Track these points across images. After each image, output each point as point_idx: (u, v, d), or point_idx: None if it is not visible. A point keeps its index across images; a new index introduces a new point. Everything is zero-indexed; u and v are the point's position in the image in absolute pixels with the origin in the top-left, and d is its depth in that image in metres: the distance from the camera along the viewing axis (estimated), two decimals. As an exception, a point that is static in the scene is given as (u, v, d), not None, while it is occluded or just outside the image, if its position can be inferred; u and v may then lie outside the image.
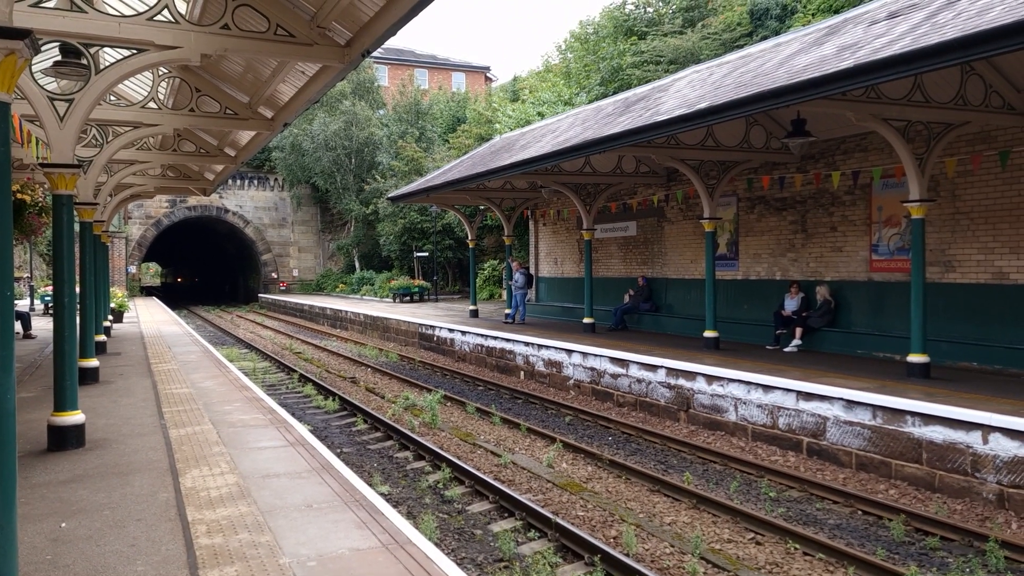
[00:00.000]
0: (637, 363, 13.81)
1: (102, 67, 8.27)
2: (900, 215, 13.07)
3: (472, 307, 25.30)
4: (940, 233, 12.52)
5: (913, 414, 9.10)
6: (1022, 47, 7.49)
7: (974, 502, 8.40)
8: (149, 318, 28.79)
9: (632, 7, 34.95)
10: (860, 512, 8.43)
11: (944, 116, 10.75)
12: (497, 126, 35.37)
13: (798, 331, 14.36)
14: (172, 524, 5.75)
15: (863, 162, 13.76)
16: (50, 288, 27.90)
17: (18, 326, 20.18)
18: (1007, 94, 11.07)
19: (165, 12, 8.01)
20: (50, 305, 27.51)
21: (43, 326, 22.77)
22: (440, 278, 39.96)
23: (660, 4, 34.62)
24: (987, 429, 8.34)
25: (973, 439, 8.48)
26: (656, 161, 17.10)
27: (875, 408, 9.56)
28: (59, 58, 8.22)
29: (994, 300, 11.86)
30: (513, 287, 22.44)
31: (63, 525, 5.75)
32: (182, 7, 8.52)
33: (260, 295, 50.11)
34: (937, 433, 8.83)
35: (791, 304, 14.79)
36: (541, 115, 32.93)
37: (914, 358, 11.08)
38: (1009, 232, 11.62)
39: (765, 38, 23.33)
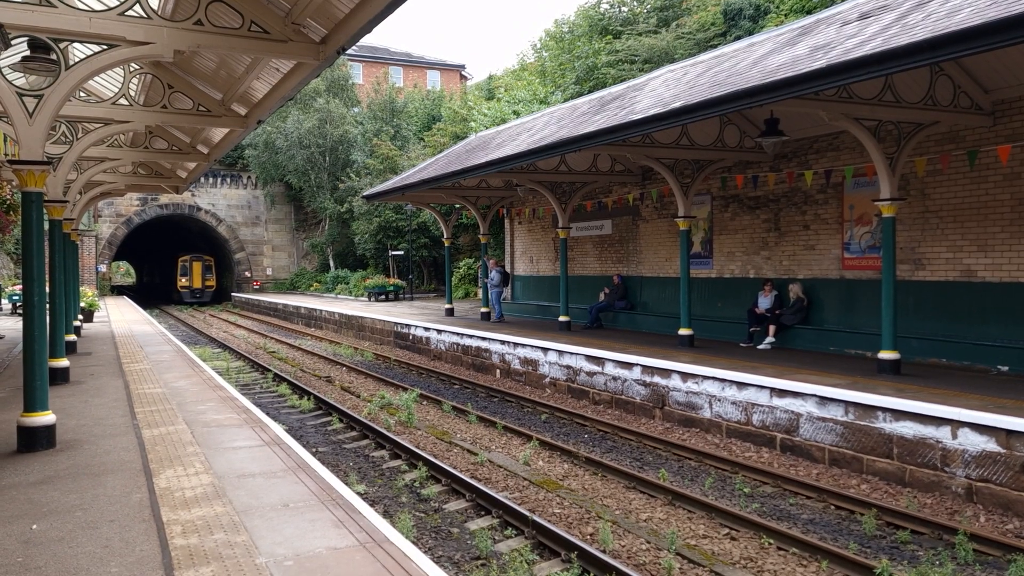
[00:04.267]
0: (612, 361, 13.87)
1: (72, 63, 8.14)
2: (871, 214, 13.25)
3: (448, 305, 25.27)
4: (910, 231, 12.70)
5: (884, 410, 9.24)
6: (990, 48, 7.63)
7: (944, 496, 8.54)
8: (120, 317, 28.41)
9: (607, 6, 35.09)
10: (833, 507, 8.54)
11: (914, 116, 10.91)
12: (472, 124, 35.33)
13: (771, 328, 14.51)
14: (146, 525, 5.69)
15: (835, 161, 13.93)
16: (18, 287, 27.49)
17: (-15, 326, 19.85)
18: (975, 95, 11.27)
19: (137, 7, 7.91)
20: (18, 304, 27.11)
21: (11, 326, 22.41)
22: (415, 277, 39.86)
23: (635, 3, 34.80)
24: (956, 424, 8.49)
25: (942, 434, 8.63)
26: (631, 160, 17.19)
27: (847, 404, 9.69)
28: (28, 53, 8.09)
29: (962, 297, 12.06)
30: (489, 285, 22.45)
31: (34, 527, 5.67)
32: (154, 2, 8.42)
33: (233, 294, 49.63)
34: (907, 428, 8.97)
35: (764, 302, 14.94)
36: (516, 113, 32.94)
37: (885, 355, 11.24)
38: (977, 230, 11.82)
39: (739, 38, 23.53)
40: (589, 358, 14.57)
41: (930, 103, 10.76)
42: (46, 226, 10.47)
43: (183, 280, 50.96)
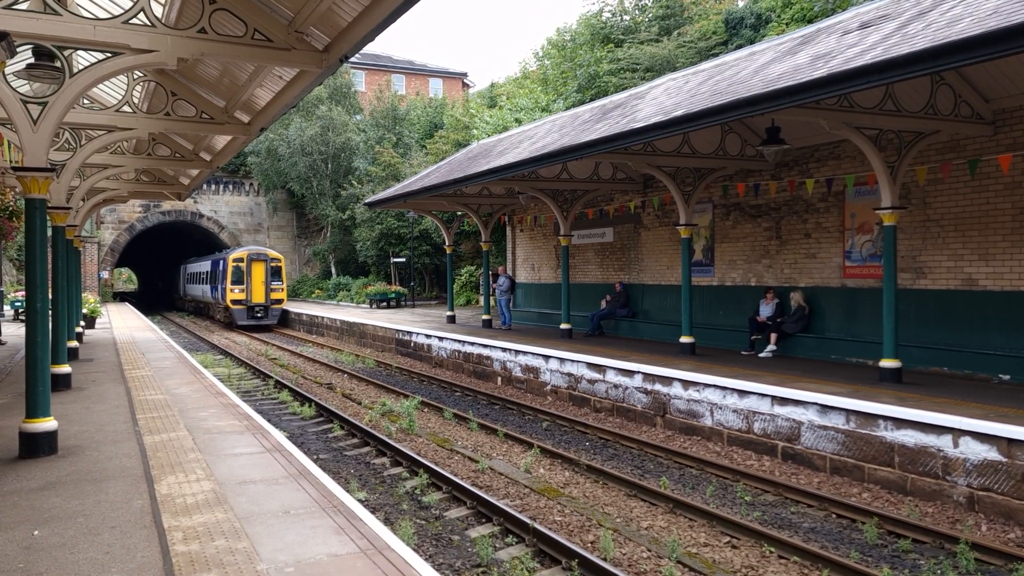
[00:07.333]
0: (614, 368, 13.87)
1: (76, 70, 8.19)
2: (872, 222, 13.26)
3: (449, 313, 25.28)
4: (911, 240, 12.71)
5: (885, 418, 9.23)
6: (990, 58, 7.67)
7: (945, 505, 8.53)
8: (122, 324, 28.44)
9: (609, 15, 35.20)
10: (834, 515, 8.52)
11: (915, 125, 10.94)
12: (475, 132, 35.43)
13: (773, 337, 14.50)
14: (147, 531, 5.69)
15: (836, 170, 13.95)
16: (20, 293, 27.53)
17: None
18: (976, 104, 11.29)
19: (141, 15, 7.96)
20: (20, 311, 27.15)
21: (13, 332, 22.43)
22: (417, 284, 39.89)
23: (636, 12, 34.90)
24: (957, 433, 8.48)
25: (944, 443, 8.62)
26: (633, 168, 17.21)
27: (848, 412, 9.68)
28: (32, 60, 8.13)
29: (963, 306, 12.05)
30: (498, 291, 22.50)
31: (36, 533, 5.68)
32: (158, 10, 8.47)
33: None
34: (909, 437, 8.96)
35: (766, 310, 14.93)
36: (518, 121, 33.03)
37: (886, 363, 11.24)
38: (978, 239, 11.83)
39: (740, 47, 23.59)
40: (590, 366, 14.56)
41: (931, 112, 10.79)
42: (49, 232, 10.50)
43: (235, 291, 34.26)
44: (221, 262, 35.77)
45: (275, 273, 35.03)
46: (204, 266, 40.77)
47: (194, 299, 45.66)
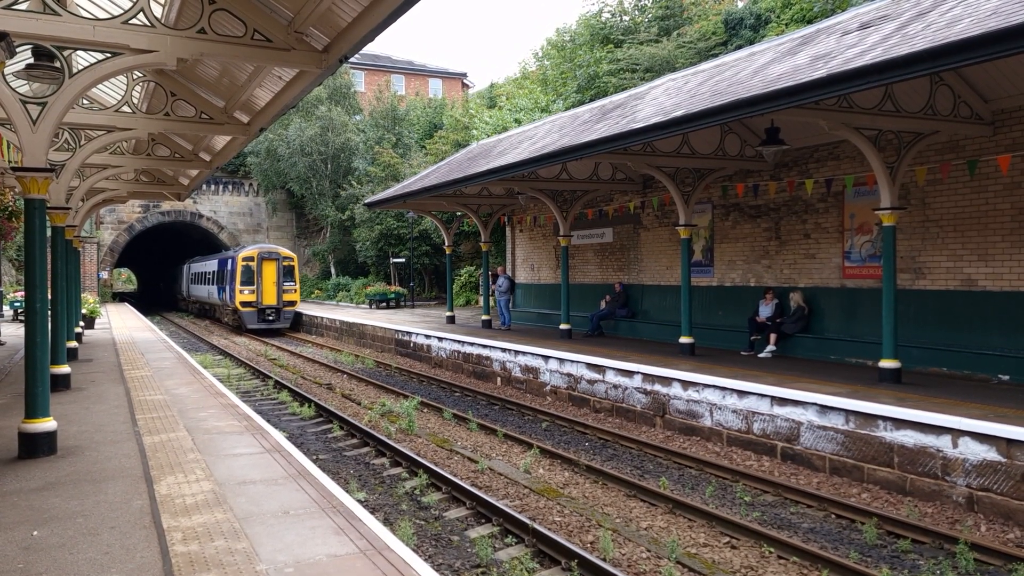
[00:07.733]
0: (613, 369, 13.87)
1: (76, 70, 8.19)
2: (872, 223, 13.27)
3: (449, 313, 25.28)
4: (911, 240, 12.72)
5: (885, 419, 9.24)
6: (990, 58, 7.68)
7: (944, 505, 8.53)
8: (122, 324, 28.44)
9: (608, 15, 35.21)
10: (833, 516, 8.53)
11: (914, 125, 10.95)
12: (474, 132, 35.43)
13: (772, 337, 14.50)
14: (147, 531, 5.69)
15: (836, 170, 13.95)
16: (19, 294, 27.53)
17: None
18: (975, 104, 11.30)
19: (141, 15, 7.96)
20: (19, 311, 27.15)
21: (12, 332, 22.42)
22: (416, 284, 39.89)
23: (636, 13, 34.91)
24: (956, 433, 8.49)
25: (943, 443, 8.62)
26: (632, 168, 17.22)
27: (848, 413, 9.68)
28: (32, 61, 8.13)
29: (963, 306, 12.06)
30: (497, 292, 22.50)
31: (35, 533, 5.68)
32: (158, 10, 8.47)
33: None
34: (908, 437, 8.97)
35: (765, 310, 14.93)
36: (518, 122, 33.03)
37: (886, 363, 11.24)
38: (977, 240, 11.83)
39: (740, 47, 23.60)
40: (590, 366, 14.56)
41: (930, 113, 10.79)
42: (48, 233, 10.49)
43: (245, 292, 32.16)
44: (230, 261, 33.53)
45: (287, 273, 33.00)
46: (210, 265, 38.67)
47: (199, 300, 43.59)
